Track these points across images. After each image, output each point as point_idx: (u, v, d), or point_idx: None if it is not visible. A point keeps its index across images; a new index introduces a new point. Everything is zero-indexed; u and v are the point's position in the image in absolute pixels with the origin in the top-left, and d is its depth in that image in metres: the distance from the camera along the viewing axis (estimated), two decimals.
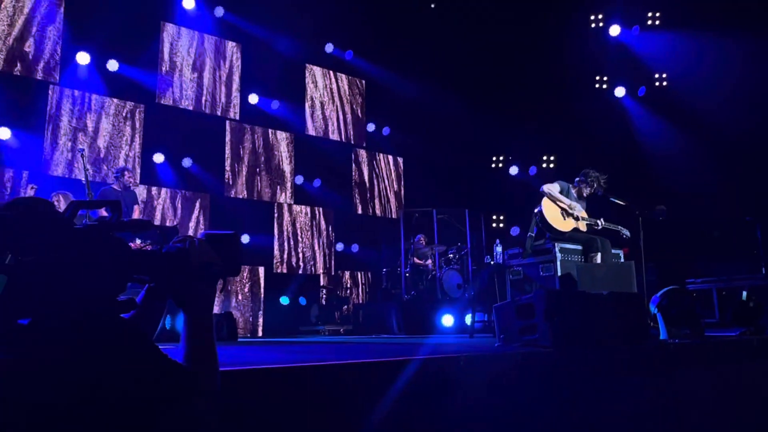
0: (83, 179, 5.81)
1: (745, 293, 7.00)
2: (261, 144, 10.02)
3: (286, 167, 10.27)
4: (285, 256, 10.04)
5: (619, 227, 5.88)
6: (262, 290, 9.54)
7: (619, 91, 10.75)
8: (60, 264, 1.13)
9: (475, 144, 11.44)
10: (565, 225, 5.77)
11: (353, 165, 11.20)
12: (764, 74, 8.83)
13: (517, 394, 2.73)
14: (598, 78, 10.96)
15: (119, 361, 1.14)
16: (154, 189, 8.79)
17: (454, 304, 7.79)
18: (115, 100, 8.53)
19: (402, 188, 11.86)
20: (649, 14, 10.49)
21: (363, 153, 11.39)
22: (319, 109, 10.83)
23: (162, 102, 8.96)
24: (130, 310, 1.27)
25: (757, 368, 3.95)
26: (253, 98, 9.93)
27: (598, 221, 5.86)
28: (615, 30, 10.65)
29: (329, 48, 10.92)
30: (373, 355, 2.94)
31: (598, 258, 5.58)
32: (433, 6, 11.42)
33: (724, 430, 3.58)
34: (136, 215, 6.67)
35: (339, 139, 11.06)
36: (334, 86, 11.12)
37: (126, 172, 6.64)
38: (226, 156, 9.57)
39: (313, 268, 10.34)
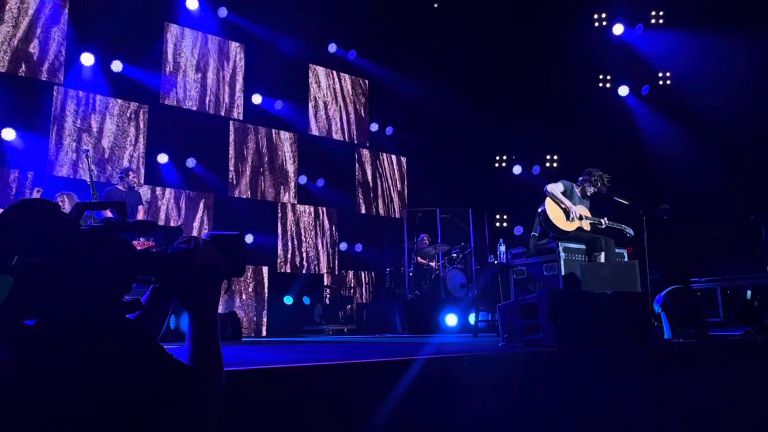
0: (88, 180, 5.83)
1: (749, 292, 6.97)
2: (264, 144, 10.03)
3: (290, 167, 10.28)
4: (289, 255, 10.06)
5: (623, 226, 5.86)
6: (266, 290, 9.56)
7: (623, 90, 10.73)
8: (66, 265, 1.14)
9: (479, 143, 11.44)
10: (568, 224, 5.76)
11: (356, 165, 11.20)
12: None
13: (521, 393, 2.73)
14: (601, 77, 10.93)
15: (125, 361, 1.14)
16: (158, 189, 8.81)
17: (458, 304, 7.79)
18: (120, 101, 8.56)
19: (405, 188, 11.86)
20: (653, 13, 10.46)
21: (366, 153, 11.39)
22: (322, 109, 10.83)
23: (166, 102, 8.99)
24: (136, 310, 1.28)
25: (762, 368, 3.94)
26: (257, 98, 9.95)
27: (602, 220, 5.84)
28: (618, 29, 10.62)
29: (332, 48, 10.93)
30: (377, 355, 2.95)
31: (602, 257, 5.56)
32: (436, 5, 11.41)
33: (729, 430, 3.58)
34: (140, 215, 6.70)
35: (342, 139, 11.07)
36: (338, 86, 11.13)
37: (130, 173, 6.67)
38: (230, 156, 9.59)
39: (316, 268, 10.35)
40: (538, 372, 2.87)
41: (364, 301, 10.67)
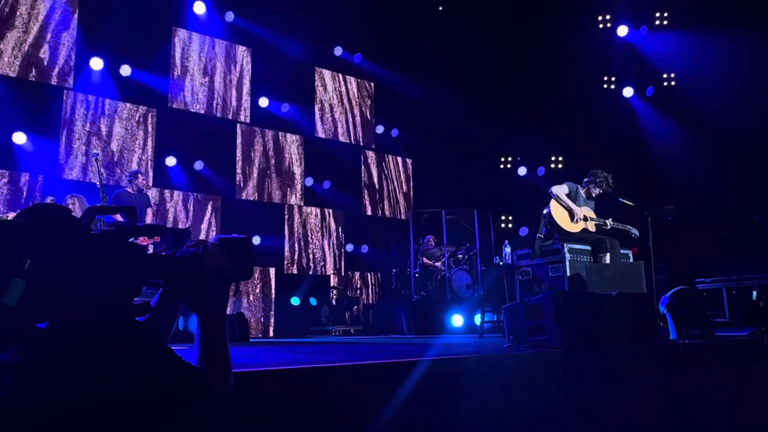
0: (97, 183, 5.86)
1: (755, 293, 6.94)
2: (271, 146, 10.05)
3: (296, 169, 10.30)
4: (295, 257, 10.07)
5: (628, 227, 5.84)
6: (273, 291, 9.58)
7: (628, 92, 10.69)
8: (77, 269, 1.15)
9: (484, 145, 11.42)
10: (573, 226, 5.74)
11: (362, 167, 11.21)
12: None
13: (526, 394, 2.72)
14: (606, 78, 10.90)
15: (134, 363, 1.15)
16: (166, 192, 8.85)
17: (464, 305, 7.78)
18: (128, 105, 8.60)
19: (411, 189, 11.86)
20: (657, 14, 10.42)
21: (372, 155, 11.40)
22: (328, 112, 10.85)
23: (174, 106, 9.02)
24: (145, 313, 1.28)
25: (767, 367, 3.91)
26: (264, 101, 9.97)
27: (607, 221, 5.83)
28: (623, 30, 10.58)
29: (338, 51, 10.95)
30: (384, 356, 2.95)
31: (607, 258, 5.54)
32: (441, 8, 11.41)
33: (734, 431, 3.55)
34: (149, 218, 6.72)
35: (348, 141, 11.08)
36: (343, 89, 11.14)
37: (139, 176, 6.70)
38: (237, 159, 9.62)
39: (323, 269, 10.36)
40: (543, 373, 2.87)
41: (371, 301, 10.67)
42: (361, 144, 11.27)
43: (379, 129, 11.54)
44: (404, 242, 9.98)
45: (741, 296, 7.53)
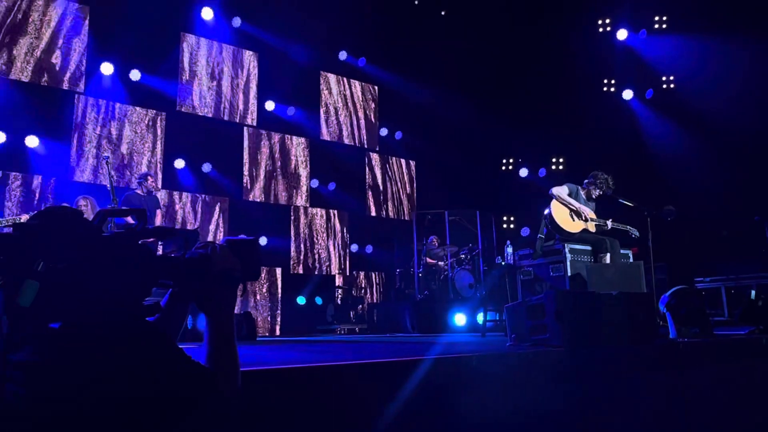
0: (108, 185, 5.87)
1: (753, 292, 6.92)
2: (278, 149, 10.07)
3: (302, 171, 10.31)
4: (301, 257, 10.08)
5: (628, 227, 5.82)
6: (279, 290, 9.59)
7: (627, 94, 10.66)
8: (89, 270, 1.15)
9: (486, 147, 11.42)
10: (574, 226, 5.73)
11: (367, 168, 11.21)
12: None
13: (528, 392, 2.72)
14: (606, 81, 10.89)
15: (145, 362, 1.15)
16: (175, 193, 8.87)
17: (466, 304, 7.77)
18: (138, 109, 8.63)
19: (414, 191, 11.86)
20: (656, 18, 10.40)
21: (376, 157, 11.40)
22: (333, 115, 10.86)
23: (182, 110, 9.05)
24: (155, 313, 1.29)
25: (766, 366, 3.90)
26: (270, 105, 9.99)
27: (607, 222, 5.81)
28: (622, 34, 10.57)
29: (343, 55, 10.95)
30: (388, 355, 2.95)
31: (608, 258, 5.53)
32: (443, 13, 11.41)
33: (734, 428, 3.54)
34: (158, 219, 6.74)
35: (353, 144, 11.08)
36: (348, 92, 11.15)
37: (149, 178, 6.71)
38: (244, 161, 9.64)
39: (328, 269, 10.37)
40: (545, 371, 2.86)
41: (375, 301, 10.67)
42: (366, 146, 11.27)
43: (383, 131, 11.54)
44: (408, 242, 9.97)
45: (740, 295, 7.51)
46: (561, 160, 11.29)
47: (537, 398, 2.72)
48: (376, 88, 11.51)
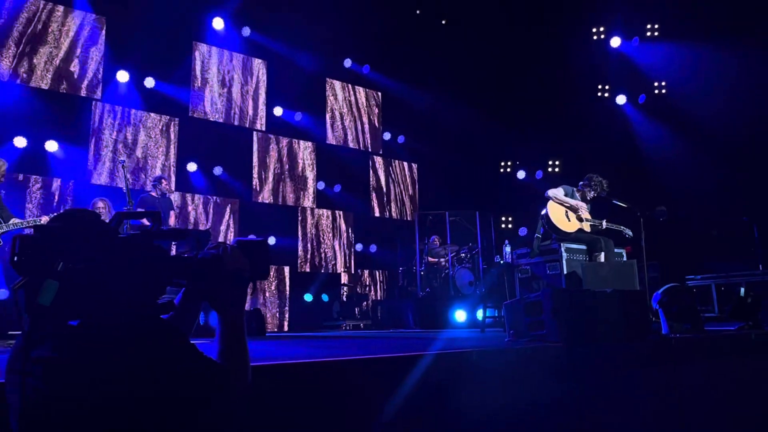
0: (124, 188, 5.88)
1: (743, 289, 6.87)
2: (285, 153, 10.08)
3: (309, 174, 10.32)
4: (308, 256, 10.09)
5: (622, 227, 5.81)
6: (287, 288, 9.60)
7: (621, 99, 10.64)
8: (106, 270, 1.16)
9: (485, 150, 11.40)
10: (569, 226, 5.72)
11: (371, 171, 11.21)
12: (758, 81, 8.70)
13: (526, 386, 2.71)
14: (600, 87, 10.86)
15: (160, 358, 1.16)
16: (188, 195, 8.88)
17: (466, 301, 7.76)
18: (152, 114, 8.65)
19: (416, 192, 11.85)
20: (648, 26, 10.37)
21: (380, 160, 11.40)
22: (338, 120, 10.87)
23: (194, 115, 9.06)
24: (169, 311, 1.29)
25: (756, 361, 3.88)
26: (278, 111, 10.00)
27: (602, 222, 5.80)
28: (616, 41, 10.54)
29: (347, 63, 10.96)
30: (392, 350, 2.95)
31: (602, 257, 5.52)
32: (444, 22, 11.41)
33: (724, 421, 3.52)
34: (171, 220, 6.75)
35: (357, 147, 11.09)
36: (353, 98, 11.16)
37: (163, 181, 6.72)
38: (254, 164, 9.65)
39: (334, 267, 10.37)
40: (542, 366, 2.85)
41: (379, 298, 10.66)
42: (370, 150, 11.27)
43: (386, 136, 11.54)
44: (410, 242, 9.97)
45: (729, 292, 7.46)
46: (557, 162, 11.26)
47: (535, 392, 2.71)
48: (379, 94, 11.51)
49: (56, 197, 7.56)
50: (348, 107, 11.03)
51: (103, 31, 8.23)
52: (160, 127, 8.71)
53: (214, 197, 9.13)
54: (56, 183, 7.62)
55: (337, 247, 10.47)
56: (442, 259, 9.38)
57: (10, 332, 6.06)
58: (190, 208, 8.87)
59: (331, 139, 10.69)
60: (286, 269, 9.66)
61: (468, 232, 9.67)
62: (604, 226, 5.79)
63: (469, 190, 10.99)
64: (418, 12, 11.16)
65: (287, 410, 2.00)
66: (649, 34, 10.37)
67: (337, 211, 10.58)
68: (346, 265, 10.54)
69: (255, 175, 9.62)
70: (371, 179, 11.17)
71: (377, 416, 2.20)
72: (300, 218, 10.09)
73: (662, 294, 4.15)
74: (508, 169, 11.70)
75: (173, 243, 5.50)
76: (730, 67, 8.83)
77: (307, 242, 10.09)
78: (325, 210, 10.43)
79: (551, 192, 5.76)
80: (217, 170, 9.16)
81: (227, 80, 9.50)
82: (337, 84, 10.93)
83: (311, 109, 10.40)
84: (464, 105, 10.90)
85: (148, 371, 1.13)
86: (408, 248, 10.18)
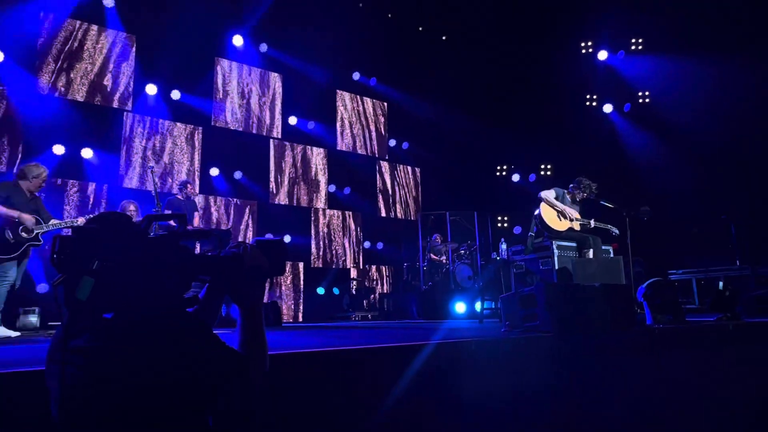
0: (153, 191, 5.91)
1: (721, 283, 6.84)
2: (300, 158, 10.10)
3: (321, 178, 10.33)
4: (321, 253, 10.10)
5: (609, 226, 5.78)
6: (301, 282, 9.61)
7: (607, 108, 10.59)
8: (137, 268, 1.16)
9: (482, 155, 11.38)
10: (560, 225, 5.69)
11: (377, 175, 11.21)
12: (734, 90, 8.64)
13: (521, 373, 2.70)
14: (588, 96, 10.81)
15: (186, 347, 1.16)
16: (211, 198, 8.92)
17: (466, 294, 7.75)
18: (178, 124, 8.68)
19: (419, 194, 11.84)
20: (633, 40, 10.32)
21: (386, 165, 11.40)
22: (348, 128, 10.87)
23: (216, 125, 9.09)
24: (194, 305, 1.30)
25: (733, 350, 3.85)
26: (293, 120, 10.02)
27: (590, 221, 5.77)
28: (603, 55, 10.50)
29: (356, 76, 10.97)
30: (398, 340, 2.94)
31: (591, 254, 5.49)
32: (444, 38, 11.40)
33: (704, 405, 3.50)
34: (196, 221, 6.76)
35: (365, 153, 11.09)
36: (361, 108, 11.16)
37: (188, 185, 6.73)
38: (271, 169, 9.67)
39: (344, 263, 10.38)
40: (536, 354, 2.85)
41: (385, 291, 10.66)
42: (376, 155, 11.27)
43: (392, 142, 11.53)
44: (414, 240, 9.96)
45: (709, 286, 7.42)
46: (549, 166, 11.22)
47: (528, 378, 2.70)
48: (385, 104, 11.51)
49: (91, 200, 7.61)
50: (356, 116, 11.04)
51: (134, 48, 8.28)
52: (185, 135, 8.75)
53: (235, 199, 9.15)
54: (91, 187, 7.66)
55: (346, 245, 10.48)
56: (443, 256, 9.37)
57: (50, 323, 6.12)
58: (212, 209, 8.90)
59: (341, 145, 10.70)
60: (301, 265, 9.68)
61: (467, 230, 9.66)
62: (592, 225, 5.76)
63: (468, 192, 10.97)
64: (420, 29, 11.16)
65: (302, 394, 2.00)
66: (633, 47, 10.32)
67: (346, 212, 10.58)
68: (355, 261, 10.55)
69: (272, 179, 9.65)
70: (378, 182, 11.17)
71: (384, 400, 2.20)
72: (313, 218, 10.11)
73: (646, 288, 4.13)
74: (504, 173, 11.67)
75: (197, 242, 5.52)
76: (709, 78, 8.78)
77: (320, 240, 10.11)
78: (335, 211, 10.44)
79: (544, 194, 5.74)
80: (237, 174, 9.19)
81: (246, 92, 9.53)
82: (347, 95, 10.94)
83: (323, 118, 10.41)
84: (463, 114, 10.90)
85: (176, 359, 1.14)
86: (412, 246, 10.18)
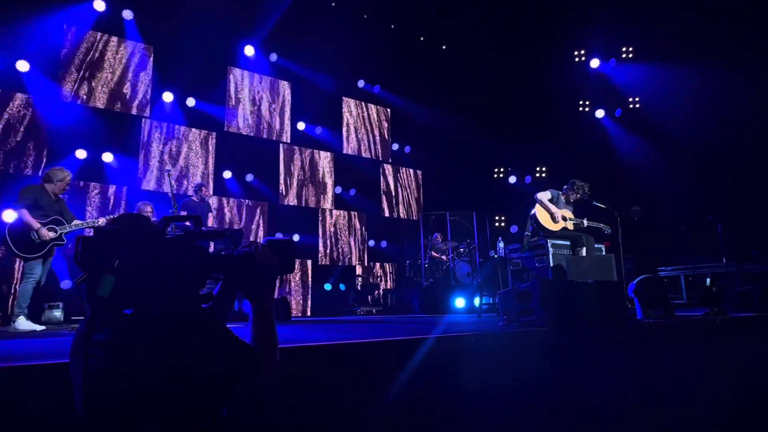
0: (169, 194, 5.92)
1: (708, 279, 6.80)
2: (308, 162, 10.11)
3: (328, 180, 10.34)
4: (328, 251, 10.11)
5: (601, 225, 5.76)
6: (310, 279, 9.62)
7: (599, 113, 10.56)
8: (155, 266, 1.17)
9: (481, 158, 11.37)
10: (555, 225, 5.68)
11: (381, 177, 11.21)
12: (721, 96, 8.60)
13: (517, 365, 2.70)
14: (581, 102, 10.78)
15: (201, 341, 1.17)
16: (224, 199, 8.94)
17: (465, 290, 7.73)
18: (193, 129, 8.71)
19: (421, 195, 11.83)
20: (624, 49, 10.29)
21: (389, 167, 11.40)
22: (353, 133, 10.88)
23: (229, 130, 9.11)
24: (209, 301, 1.30)
25: (720, 343, 3.83)
26: (301, 125, 10.03)
27: (583, 221, 5.75)
28: (595, 62, 10.47)
29: (361, 83, 10.97)
30: (401, 333, 2.94)
31: (584, 252, 5.48)
32: (444, 47, 11.39)
33: (692, 395, 3.49)
34: (210, 221, 6.77)
35: (369, 157, 11.09)
36: (365, 114, 11.16)
37: (203, 187, 6.74)
38: (280, 172, 9.68)
39: (350, 261, 10.38)
40: (532, 348, 2.84)
41: (389, 287, 10.66)
42: (380, 159, 11.27)
43: (395, 146, 11.53)
44: (416, 238, 9.96)
45: (696, 282, 7.39)
46: (544, 169, 11.20)
47: (525, 370, 2.70)
48: (388, 110, 11.51)
49: (111, 201, 7.64)
50: (361, 122, 11.04)
51: (151, 58, 8.31)
52: (200, 140, 8.77)
53: (247, 201, 9.17)
54: (111, 189, 7.70)
55: (352, 243, 10.49)
56: (443, 254, 9.36)
57: (73, 318, 6.15)
58: (225, 210, 8.93)
59: (346, 149, 10.70)
60: (309, 262, 9.69)
61: (466, 230, 9.65)
62: (585, 224, 5.75)
63: (467, 193, 10.96)
64: (421, 39, 11.15)
65: (311, 385, 2.00)
66: (624, 56, 10.29)
67: (352, 212, 10.59)
68: (360, 258, 10.55)
69: (281, 181, 9.66)
70: (382, 184, 11.17)
71: (388, 391, 2.20)
72: (320, 218, 10.12)
73: (637, 284, 4.12)
74: (501, 175, 11.65)
75: (211, 241, 5.53)
76: (696, 84, 8.75)
77: (327, 239, 10.12)
78: (342, 211, 10.45)
79: (539, 195, 5.73)
80: (249, 177, 9.21)
81: (257, 99, 9.55)
82: (352, 102, 10.94)
83: (329, 123, 10.42)
84: (462, 119, 10.89)
85: (192, 352, 1.14)
86: (414, 244, 10.18)
